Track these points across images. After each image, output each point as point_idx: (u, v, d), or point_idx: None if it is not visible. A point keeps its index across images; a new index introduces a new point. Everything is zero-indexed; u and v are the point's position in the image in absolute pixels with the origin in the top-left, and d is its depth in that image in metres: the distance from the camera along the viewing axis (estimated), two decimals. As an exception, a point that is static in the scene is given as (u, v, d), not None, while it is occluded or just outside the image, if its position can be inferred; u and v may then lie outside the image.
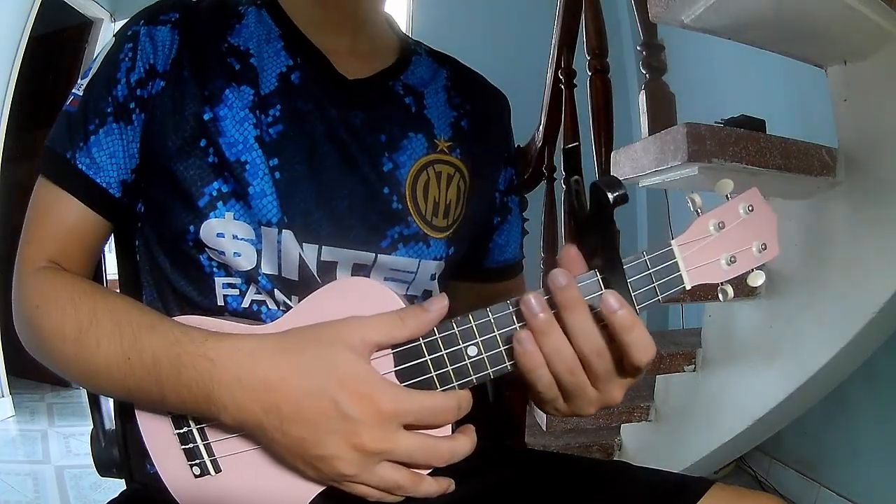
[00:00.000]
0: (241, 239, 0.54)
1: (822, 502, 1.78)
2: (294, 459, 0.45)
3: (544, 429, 1.49)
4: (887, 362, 1.51)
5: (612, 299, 0.42)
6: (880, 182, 1.05)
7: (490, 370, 0.46)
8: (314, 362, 0.44)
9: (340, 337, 0.44)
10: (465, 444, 0.46)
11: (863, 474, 1.68)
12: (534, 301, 0.43)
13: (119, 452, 0.65)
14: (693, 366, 1.40)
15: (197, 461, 0.50)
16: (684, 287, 0.45)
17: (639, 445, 1.55)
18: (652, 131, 1.25)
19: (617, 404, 0.46)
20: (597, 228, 0.45)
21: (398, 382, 0.46)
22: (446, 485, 0.47)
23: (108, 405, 0.68)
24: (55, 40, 3.33)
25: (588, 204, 0.45)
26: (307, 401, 0.43)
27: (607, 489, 0.58)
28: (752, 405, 1.26)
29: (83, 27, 3.35)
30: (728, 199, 0.46)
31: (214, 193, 0.54)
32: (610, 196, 0.43)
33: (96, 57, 0.58)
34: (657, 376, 1.48)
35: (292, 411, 0.43)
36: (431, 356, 0.46)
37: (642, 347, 0.42)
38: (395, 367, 0.46)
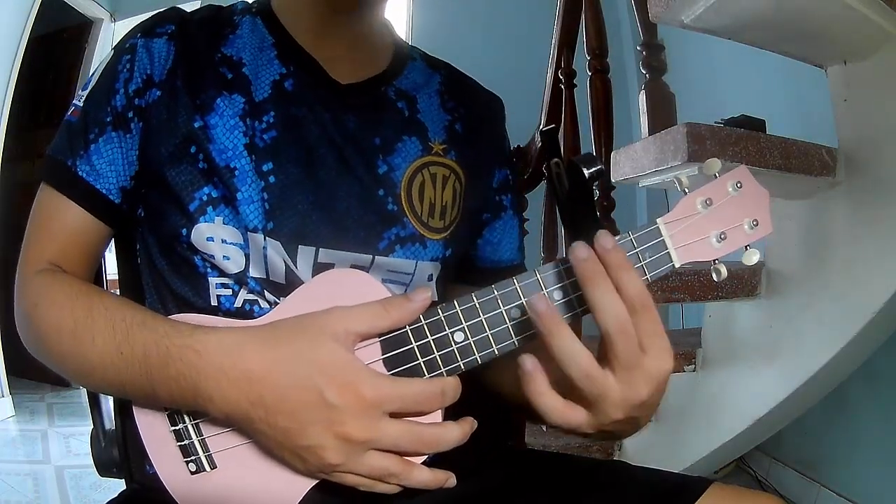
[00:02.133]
0: (230, 243, 0.55)
1: (822, 502, 1.78)
2: (282, 451, 0.46)
3: (544, 429, 1.48)
4: (887, 362, 1.51)
5: (605, 238, 0.41)
6: (880, 182, 1.05)
7: (477, 355, 0.46)
8: (298, 353, 0.44)
9: (324, 327, 0.45)
10: (453, 431, 0.45)
11: (863, 474, 1.68)
12: (536, 299, 0.41)
13: (119, 452, 0.66)
14: (693, 366, 1.40)
15: (192, 458, 0.50)
16: (673, 265, 0.45)
17: (639, 445, 1.55)
18: (652, 131, 1.25)
19: (644, 402, 0.43)
20: (578, 207, 0.44)
21: (386, 370, 0.46)
22: (444, 477, 0.47)
23: (108, 405, 0.68)
24: (55, 40, 3.33)
25: (567, 184, 0.44)
26: (291, 391, 0.43)
27: (607, 489, 0.58)
28: (752, 405, 1.26)
29: (83, 27, 3.35)
30: (716, 177, 0.45)
31: (204, 198, 0.55)
32: (586, 172, 0.43)
33: (96, 69, 0.60)
34: (657, 376, 1.48)
35: (277, 402, 0.44)
36: (418, 343, 0.46)
37: (633, 286, 0.41)
38: (383, 354, 0.47)
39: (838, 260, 1.12)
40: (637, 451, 1.55)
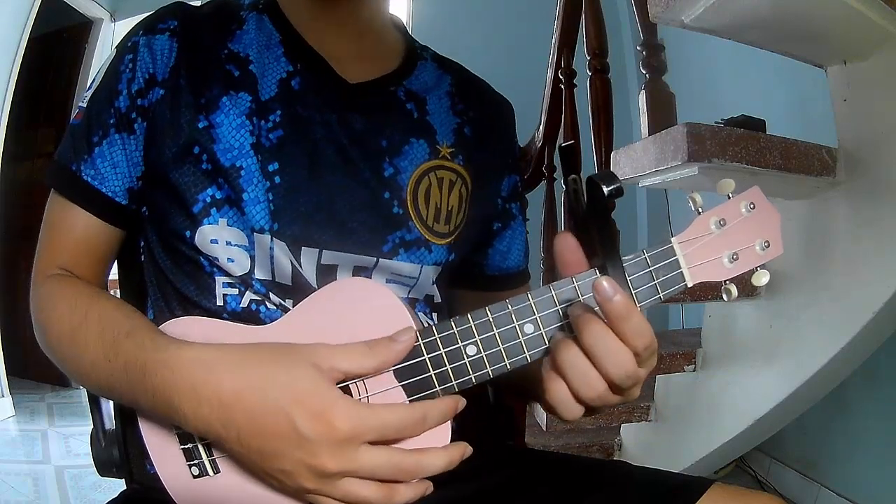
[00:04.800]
0: (235, 245, 0.55)
1: (822, 502, 1.78)
2: (257, 470, 0.45)
3: (544, 429, 1.49)
4: (887, 362, 1.51)
5: (606, 285, 0.40)
6: (880, 182, 1.05)
7: (489, 369, 0.46)
8: (272, 377, 0.43)
9: (309, 357, 0.44)
10: (437, 459, 0.44)
11: (863, 474, 1.68)
12: (559, 336, 0.44)
13: (119, 452, 0.65)
14: (693, 366, 1.40)
15: (196, 461, 0.50)
16: (685, 285, 0.45)
17: (639, 445, 1.55)
18: (652, 131, 1.25)
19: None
20: (594, 225, 0.44)
21: (396, 382, 0.46)
22: (423, 487, 0.46)
23: (108, 405, 0.68)
24: (55, 40, 3.33)
25: (585, 201, 0.45)
26: (263, 417, 0.42)
27: (607, 489, 0.58)
28: (752, 405, 1.26)
29: (83, 27, 3.35)
30: (730, 198, 0.45)
31: (208, 200, 0.55)
32: (605, 189, 0.43)
33: (100, 69, 0.60)
34: (657, 376, 1.48)
35: (248, 426, 0.43)
36: (430, 355, 0.46)
37: (638, 334, 0.42)
38: (394, 366, 0.46)
39: (838, 260, 1.12)
40: (637, 451, 1.55)
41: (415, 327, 0.47)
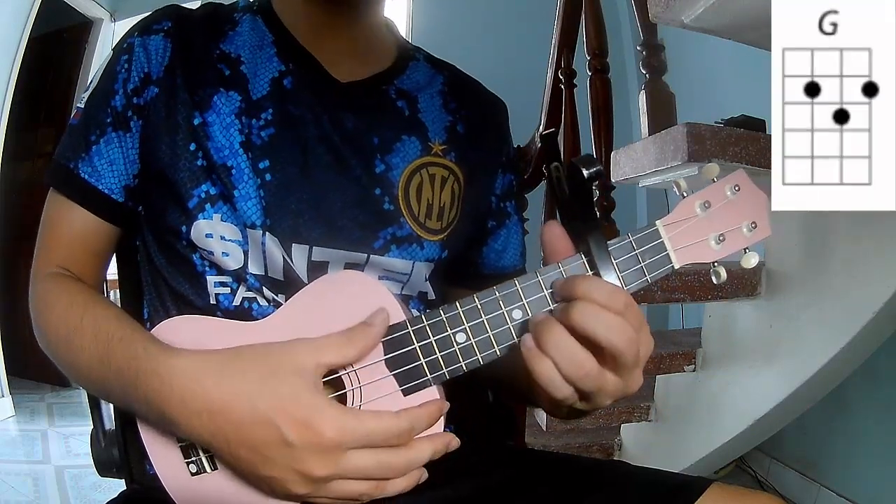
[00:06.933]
0: (229, 240, 0.55)
1: (822, 502, 1.78)
2: (247, 477, 0.46)
3: (544, 429, 1.49)
4: (887, 362, 1.51)
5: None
6: (880, 182, 1.05)
7: (479, 356, 0.46)
8: (258, 386, 0.43)
9: (289, 361, 0.44)
10: (423, 451, 0.45)
11: (863, 474, 1.68)
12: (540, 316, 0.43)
13: (119, 453, 0.66)
14: (693, 366, 1.40)
15: (193, 459, 0.50)
16: (672, 267, 0.45)
17: (639, 445, 1.55)
18: (652, 131, 1.25)
19: (635, 391, 0.45)
20: (578, 209, 0.45)
21: (388, 371, 0.46)
22: (417, 475, 0.46)
23: (109, 405, 0.69)
24: (55, 40, 3.33)
25: (567, 187, 0.45)
26: (250, 427, 0.43)
27: (606, 489, 0.57)
28: (752, 405, 1.26)
29: (83, 27, 3.35)
30: (714, 181, 0.46)
31: (203, 195, 0.55)
32: (586, 172, 0.43)
33: (96, 71, 0.61)
34: (657, 376, 1.48)
35: (236, 435, 0.43)
36: (420, 343, 0.46)
37: (611, 293, 0.41)
38: (385, 355, 0.47)
39: (838, 260, 1.12)
40: (637, 451, 1.55)
41: (404, 316, 0.47)
